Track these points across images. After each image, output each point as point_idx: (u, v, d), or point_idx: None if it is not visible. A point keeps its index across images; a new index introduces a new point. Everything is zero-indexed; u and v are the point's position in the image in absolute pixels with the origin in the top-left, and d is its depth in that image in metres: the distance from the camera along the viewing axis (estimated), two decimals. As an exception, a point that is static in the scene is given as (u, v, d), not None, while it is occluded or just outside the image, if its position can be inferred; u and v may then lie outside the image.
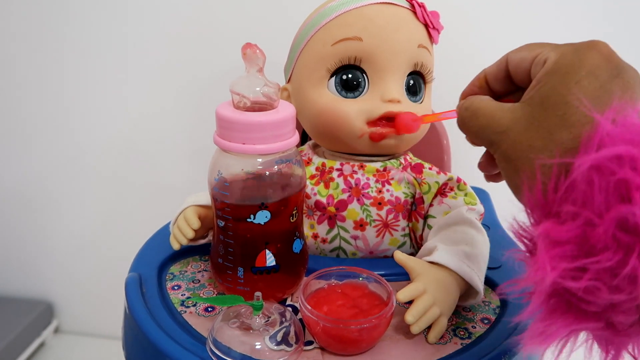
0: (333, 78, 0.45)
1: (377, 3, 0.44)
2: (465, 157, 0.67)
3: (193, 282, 0.44)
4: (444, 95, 0.60)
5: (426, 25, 0.46)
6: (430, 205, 0.46)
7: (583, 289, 0.23)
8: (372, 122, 0.44)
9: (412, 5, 0.45)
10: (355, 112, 0.44)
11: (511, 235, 0.29)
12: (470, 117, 0.31)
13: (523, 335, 0.26)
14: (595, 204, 0.23)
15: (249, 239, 0.38)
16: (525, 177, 0.27)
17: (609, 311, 0.24)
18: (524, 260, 0.27)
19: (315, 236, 0.47)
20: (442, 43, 0.48)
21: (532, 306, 0.25)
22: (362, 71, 0.45)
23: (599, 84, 0.26)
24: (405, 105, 0.45)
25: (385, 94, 0.44)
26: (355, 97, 0.45)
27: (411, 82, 0.46)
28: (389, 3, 0.45)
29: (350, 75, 0.45)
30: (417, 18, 0.45)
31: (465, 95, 0.36)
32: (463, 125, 0.33)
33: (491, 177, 0.37)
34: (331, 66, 0.45)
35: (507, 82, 0.33)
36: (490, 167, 0.36)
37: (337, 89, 0.45)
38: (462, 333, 0.38)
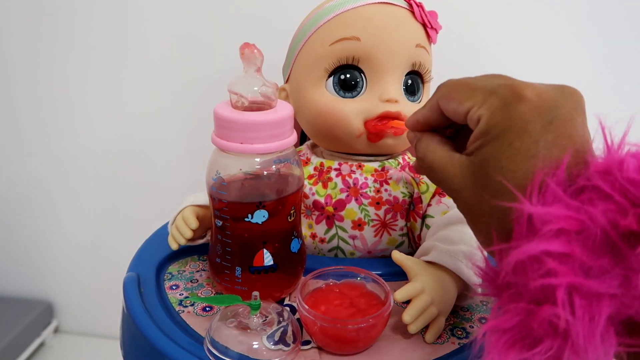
0: (331, 78, 0.45)
1: (375, 3, 0.44)
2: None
3: (191, 281, 0.44)
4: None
5: (424, 25, 0.46)
6: (429, 205, 0.46)
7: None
8: (370, 122, 0.44)
9: (410, 5, 0.45)
10: (354, 111, 0.44)
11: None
12: (427, 170, 0.32)
13: None
14: (531, 292, 0.24)
15: (246, 238, 0.38)
16: (480, 240, 0.29)
17: None
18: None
19: (313, 236, 0.47)
20: (440, 43, 0.48)
21: None
22: (360, 71, 0.45)
23: (531, 140, 0.26)
24: (403, 105, 0.45)
25: (383, 93, 0.44)
26: (354, 97, 0.45)
27: (409, 81, 0.46)
28: (387, 3, 0.45)
29: (348, 75, 0.45)
30: (415, 18, 0.45)
31: (410, 127, 0.36)
32: (423, 173, 0.34)
33: None
34: (329, 66, 0.45)
35: (446, 121, 0.33)
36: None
37: (335, 89, 0.45)
38: (459, 333, 0.38)
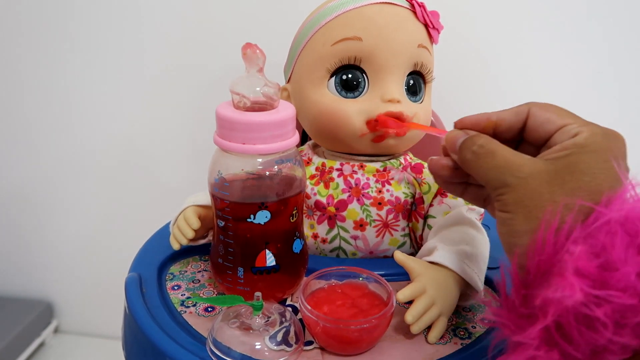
0: (333, 78, 0.45)
1: (377, 3, 0.44)
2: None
3: (193, 282, 0.44)
4: (445, 95, 0.61)
5: (426, 25, 0.46)
6: (430, 205, 0.46)
7: (602, 315, 0.24)
8: (372, 122, 0.44)
9: (412, 5, 0.45)
10: (355, 112, 0.44)
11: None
12: (486, 154, 0.31)
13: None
14: (615, 253, 0.24)
15: (249, 239, 0.38)
16: (543, 220, 0.27)
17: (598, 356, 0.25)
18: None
19: (315, 236, 0.47)
20: (442, 43, 0.48)
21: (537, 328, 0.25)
22: (362, 71, 0.45)
23: (620, 169, 0.28)
24: (405, 105, 0.45)
25: (385, 94, 0.44)
26: (355, 97, 0.45)
27: (411, 82, 0.46)
28: (388, 3, 0.45)
29: (350, 75, 0.45)
30: (417, 18, 0.45)
31: (462, 125, 0.35)
32: (475, 159, 0.32)
33: (445, 185, 0.37)
34: (331, 66, 0.45)
35: (517, 133, 0.34)
36: (456, 175, 0.36)
37: (337, 89, 0.45)
38: (462, 333, 0.38)
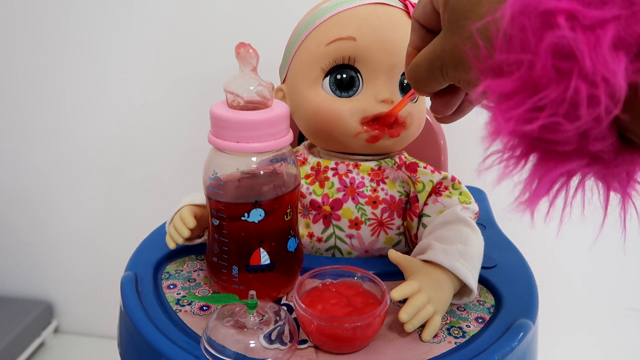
0: (327, 78, 0.45)
1: (371, 3, 0.45)
2: (462, 157, 0.67)
3: (189, 281, 0.44)
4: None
5: None
6: (425, 204, 0.46)
7: (543, 128, 0.23)
8: (367, 122, 0.44)
9: (406, 6, 0.46)
10: (350, 111, 0.44)
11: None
12: (417, 69, 0.32)
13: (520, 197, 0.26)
14: (531, 44, 0.23)
15: (243, 237, 0.38)
16: (468, 48, 0.26)
17: (584, 143, 0.23)
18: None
19: (310, 235, 0.47)
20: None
21: (506, 159, 0.25)
22: (357, 71, 0.45)
23: None
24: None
25: (378, 94, 0.44)
26: (350, 97, 0.45)
27: (405, 81, 0.46)
28: (382, 3, 0.45)
29: (344, 75, 0.45)
30: (410, 18, 0.45)
31: (408, 70, 0.35)
32: (417, 74, 0.32)
33: (443, 118, 0.37)
34: (325, 66, 0.45)
35: (427, 36, 0.33)
36: (445, 101, 0.35)
37: (331, 89, 0.45)
38: (456, 332, 0.38)
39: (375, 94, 0.44)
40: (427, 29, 0.34)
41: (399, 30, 0.45)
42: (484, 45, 0.25)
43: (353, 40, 0.44)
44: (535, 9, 0.22)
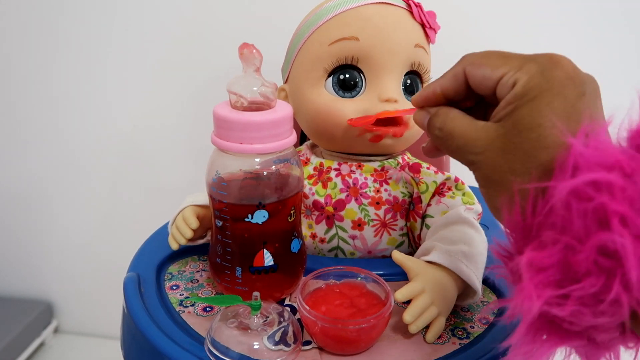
0: (330, 78, 0.45)
1: (374, 3, 0.44)
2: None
3: (191, 282, 0.44)
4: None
5: (423, 25, 0.46)
6: (428, 204, 0.46)
7: (568, 314, 0.23)
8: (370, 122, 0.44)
9: (409, 5, 0.45)
10: (353, 111, 0.44)
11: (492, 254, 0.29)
12: (446, 137, 0.31)
13: (508, 356, 0.27)
14: (575, 229, 0.23)
15: (246, 238, 0.38)
16: (504, 200, 0.27)
17: (592, 331, 0.24)
18: (504, 277, 0.28)
19: (313, 236, 0.47)
20: (440, 42, 0.48)
21: (520, 332, 0.25)
22: (360, 71, 0.45)
23: (568, 104, 0.27)
24: (402, 105, 0.45)
25: (382, 93, 0.44)
26: (353, 97, 0.45)
27: (408, 81, 0.46)
28: (385, 3, 0.45)
29: (347, 75, 0.45)
30: (414, 18, 0.45)
31: (418, 105, 0.35)
32: (440, 145, 0.32)
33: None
34: (328, 66, 0.45)
35: (465, 93, 0.32)
36: (436, 152, 0.36)
37: (334, 89, 0.45)
38: (460, 333, 0.38)
39: (379, 94, 0.44)
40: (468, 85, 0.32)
41: (402, 30, 0.44)
42: (520, 203, 0.26)
43: (356, 40, 0.44)
44: (589, 199, 0.23)
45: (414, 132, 0.46)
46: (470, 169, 0.30)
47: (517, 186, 0.27)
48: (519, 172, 0.27)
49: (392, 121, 0.44)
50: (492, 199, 0.29)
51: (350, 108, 0.44)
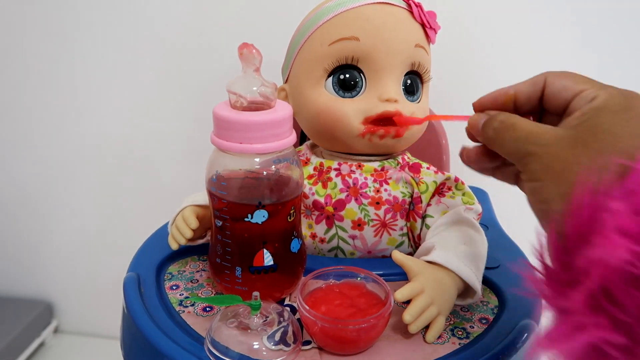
0: (330, 78, 0.45)
1: (374, 3, 0.44)
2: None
3: (191, 281, 0.44)
4: (443, 95, 0.61)
5: (423, 25, 0.46)
6: (428, 204, 0.46)
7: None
8: (370, 122, 0.44)
9: (409, 5, 0.45)
10: (353, 111, 0.44)
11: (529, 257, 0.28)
12: (507, 128, 0.31)
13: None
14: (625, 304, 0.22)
15: (246, 238, 0.38)
16: (577, 182, 0.26)
17: None
18: (534, 297, 0.26)
19: (313, 236, 0.47)
20: (440, 43, 0.48)
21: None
22: (360, 71, 0.45)
23: None
24: (402, 105, 0.45)
25: (382, 93, 0.44)
26: (353, 97, 0.45)
27: (408, 81, 0.46)
28: (385, 3, 0.45)
29: (347, 75, 0.45)
30: (414, 18, 0.45)
31: (481, 107, 0.35)
32: (496, 136, 0.32)
33: (486, 170, 0.37)
34: (328, 66, 0.45)
35: (536, 104, 0.33)
36: (486, 159, 0.35)
37: (334, 89, 0.45)
38: (460, 333, 0.38)
39: (379, 94, 0.44)
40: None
41: (402, 30, 0.44)
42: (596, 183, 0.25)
43: (356, 40, 0.44)
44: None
45: (414, 132, 0.46)
46: (524, 162, 0.29)
47: (597, 163, 0.25)
48: (586, 165, 0.26)
49: (392, 121, 0.44)
50: (547, 190, 0.28)
51: (350, 108, 0.44)
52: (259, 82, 0.37)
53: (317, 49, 0.45)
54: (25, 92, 0.81)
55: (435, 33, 0.47)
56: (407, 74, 0.46)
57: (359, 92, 0.45)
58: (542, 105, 0.33)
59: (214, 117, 0.37)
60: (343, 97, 0.45)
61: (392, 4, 0.45)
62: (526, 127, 0.30)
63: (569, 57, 0.67)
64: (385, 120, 0.44)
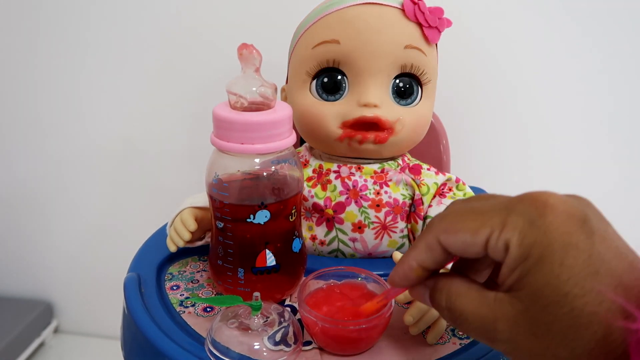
0: (315, 81, 0.45)
1: (361, 4, 0.43)
2: (464, 158, 0.67)
3: (192, 282, 0.44)
4: (445, 95, 0.60)
5: (420, 24, 0.44)
6: (429, 205, 0.46)
7: None
8: (348, 126, 0.44)
9: (402, 4, 0.43)
10: (332, 115, 0.44)
11: None
12: (459, 319, 0.26)
13: None
14: None
15: (248, 239, 0.38)
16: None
17: None
18: None
19: (313, 238, 0.47)
20: (446, 42, 0.47)
21: None
22: (344, 74, 0.45)
23: (585, 253, 0.22)
24: (385, 110, 0.44)
25: (361, 98, 0.43)
26: (336, 100, 0.45)
27: (400, 84, 0.45)
28: (372, 3, 0.43)
29: (327, 79, 0.45)
30: (407, 17, 0.43)
31: (401, 283, 0.30)
32: (454, 326, 0.28)
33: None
34: (310, 69, 0.45)
35: (447, 259, 0.28)
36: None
37: (318, 92, 0.45)
38: (461, 333, 0.38)
39: (358, 98, 0.44)
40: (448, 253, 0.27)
41: (388, 32, 0.43)
42: None
43: (337, 43, 0.43)
44: None
45: (402, 137, 0.45)
46: (502, 350, 0.25)
47: None
48: (565, 358, 0.22)
49: (374, 126, 0.43)
50: None
51: (329, 111, 0.44)
52: (258, 83, 0.37)
53: (303, 52, 0.45)
54: (26, 92, 0.81)
55: (439, 32, 0.45)
56: (397, 76, 0.45)
57: (341, 96, 0.45)
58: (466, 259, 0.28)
59: (213, 118, 0.37)
60: (326, 100, 0.45)
61: (381, 4, 0.43)
62: (475, 312, 0.25)
63: (576, 58, 0.67)
64: (367, 125, 0.43)
